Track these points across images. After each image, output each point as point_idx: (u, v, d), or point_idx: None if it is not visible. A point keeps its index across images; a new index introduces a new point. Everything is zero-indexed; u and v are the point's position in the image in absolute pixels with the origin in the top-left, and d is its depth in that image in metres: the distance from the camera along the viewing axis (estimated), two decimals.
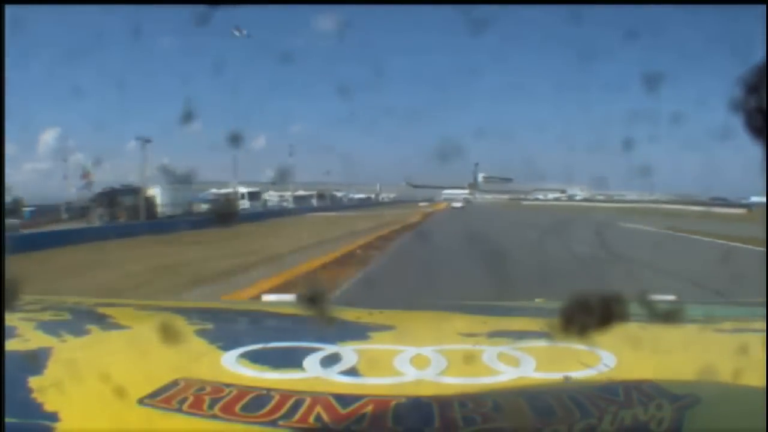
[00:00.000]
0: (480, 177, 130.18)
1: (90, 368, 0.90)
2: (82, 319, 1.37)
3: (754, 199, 41.48)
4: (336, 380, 0.82)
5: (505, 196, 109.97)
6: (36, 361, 0.90)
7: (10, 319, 1.08)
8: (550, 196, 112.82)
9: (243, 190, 36.99)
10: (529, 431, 0.68)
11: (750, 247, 12.31)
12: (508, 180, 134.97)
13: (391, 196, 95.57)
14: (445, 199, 79.77)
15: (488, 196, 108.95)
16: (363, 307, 1.43)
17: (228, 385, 0.79)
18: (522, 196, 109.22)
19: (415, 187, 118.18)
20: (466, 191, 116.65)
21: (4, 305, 0.81)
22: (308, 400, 0.74)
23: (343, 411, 0.71)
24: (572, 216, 31.69)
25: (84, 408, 0.75)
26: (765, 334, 1.04)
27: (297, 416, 0.70)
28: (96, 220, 23.11)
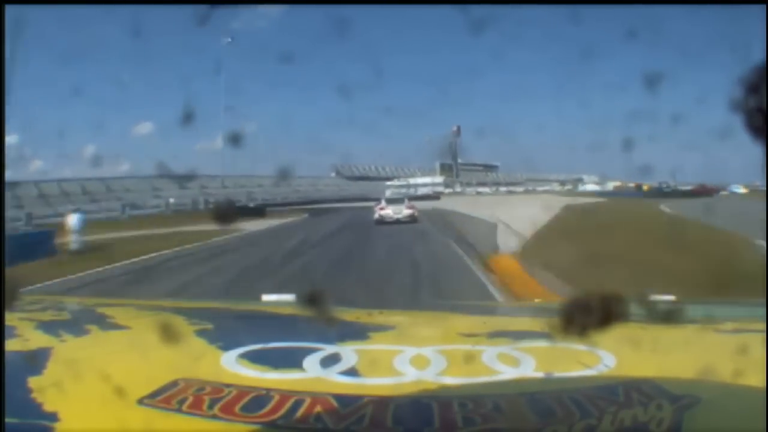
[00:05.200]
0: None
1: (90, 368, 0.90)
2: (82, 319, 1.37)
3: None
4: (336, 380, 0.82)
5: (506, 189, 74.28)
6: (36, 361, 0.90)
7: (10, 319, 1.08)
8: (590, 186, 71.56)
9: None
10: (528, 431, 0.68)
11: None
12: (492, 167, 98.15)
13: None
14: (389, 200, 24.33)
15: (483, 189, 73.69)
16: (363, 307, 1.43)
17: (228, 386, 0.79)
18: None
19: (350, 179, 77.19)
20: (438, 180, 79.17)
21: (4, 305, 0.81)
22: (308, 401, 0.74)
23: (343, 411, 0.71)
24: None
25: (84, 408, 0.75)
26: (765, 334, 1.04)
27: (297, 416, 0.70)
28: None
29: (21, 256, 10.86)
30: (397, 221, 20.25)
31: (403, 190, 61.67)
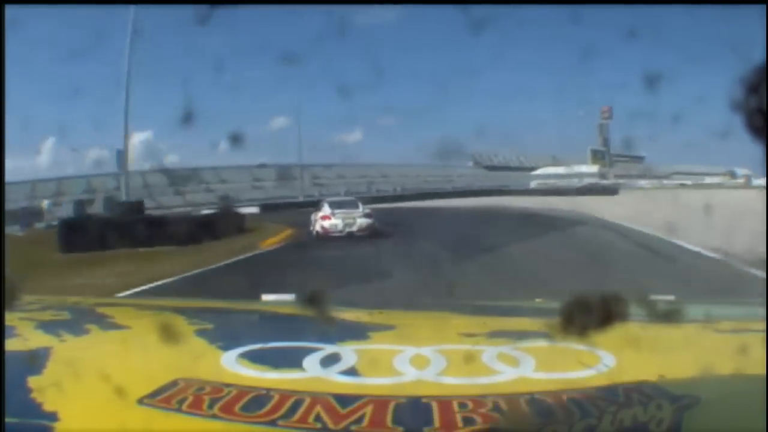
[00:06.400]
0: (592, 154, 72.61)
1: (90, 368, 0.90)
2: (82, 319, 1.37)
3: None
4: (336, 380, 0.82)
5: (671, 182, 58.42)
6: (36, 360, 0.90)
7: (10, 318, 1.08)
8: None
9: None
10: (528, 431, 0.68)
11: None
12: (639, 158, 78.51)
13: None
14: (335, 204, 15.09)
15: (643, 182, 59.75)
16: (363, 307, 1.44)
17: (227, 385, 0.79)
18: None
19: (490, 169, 66.04)
20: (593, 170, 63.64)
21: (4, 305, 0.81)
22: (308, 400, 0.74)
23: (342, 411, 0.71)
24: None
25: (83, 408, 0.75)
26: (765, 334, 1.04)
27: (296, 416, 0.70)
28: None
29: None
30: (350, 236, 13.74)
31: (552, 181, 50.53)
